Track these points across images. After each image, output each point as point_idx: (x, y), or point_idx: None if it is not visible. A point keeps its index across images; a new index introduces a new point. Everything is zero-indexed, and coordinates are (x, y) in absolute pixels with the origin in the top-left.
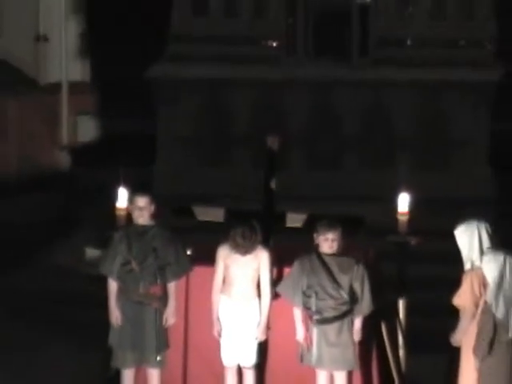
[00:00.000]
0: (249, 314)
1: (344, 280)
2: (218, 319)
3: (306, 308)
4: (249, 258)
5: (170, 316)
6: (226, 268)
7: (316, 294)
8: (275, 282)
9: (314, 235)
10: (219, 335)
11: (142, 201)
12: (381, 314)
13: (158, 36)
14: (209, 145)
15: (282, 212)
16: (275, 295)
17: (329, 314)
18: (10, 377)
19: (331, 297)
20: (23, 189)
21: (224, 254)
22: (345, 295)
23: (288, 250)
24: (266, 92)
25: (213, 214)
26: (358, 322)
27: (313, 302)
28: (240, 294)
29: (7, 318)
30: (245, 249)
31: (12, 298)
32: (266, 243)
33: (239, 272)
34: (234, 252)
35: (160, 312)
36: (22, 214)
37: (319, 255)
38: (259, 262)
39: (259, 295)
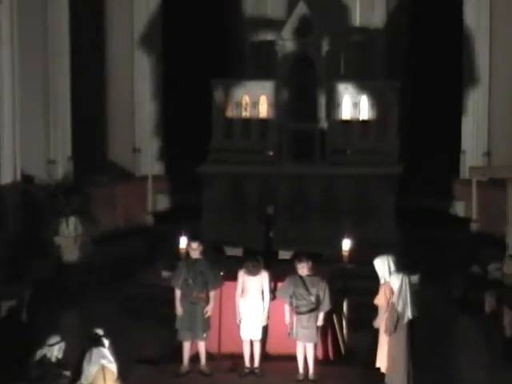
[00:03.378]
0: (256, 310)
1: (313, 290)
2: (239, 313)
3: (291, 305)
4: (256, 277)
5: (209, 310)
6: (243, 283)
7: (296, 297)
8: (272, 290)
9: (295, 264)
10: (239, 322)
11: (194, 244)
12: (333, 309)
13: (204, 146)
14: (233, 210)
15: (275, 250)
16: (272, 298)
17: (303, 309)
18: (117, 343)
19: (304, 299)
20: (126, 237)
21: (242, 275)
22: (313, 299)
23: (279, 273)
24: (266, 180)
25: (235, 251)
26: (321, 315)
27: (294, 302)
28: (251, 298)
29: (119, 312)
30: (254, 272)
31: (121, 300)
32: (266, 268)
33: (251, 286)
34: (248, 274)
35: (204, 308)
36: (126, 251)
37: (299, 275)
38: (262, 279)
39: (263, 299)
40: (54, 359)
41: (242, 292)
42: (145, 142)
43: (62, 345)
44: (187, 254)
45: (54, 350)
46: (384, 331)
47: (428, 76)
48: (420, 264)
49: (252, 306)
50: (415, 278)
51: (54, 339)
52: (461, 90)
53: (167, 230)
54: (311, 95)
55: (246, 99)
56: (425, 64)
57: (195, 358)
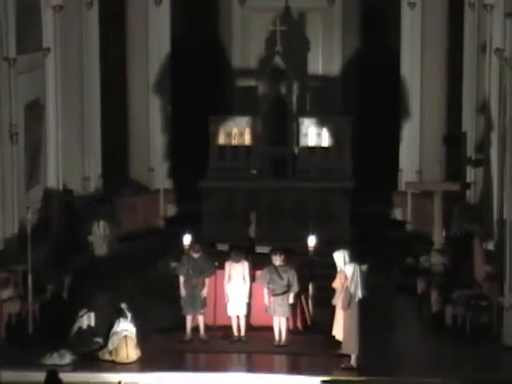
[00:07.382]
0: (240, 291)
1: (285, 276)
2: (227, 294)
3: (269, 288)
4: (239, 264)
5: (205, 292)
6: (230, 270)
7: (273, 282)
8: (252, 276)
9: (271, 256)
10: (228, 301)
11: (194, 244)
12: (301, 290)
13: (203, 166)
14: (225, 216)
15: (254, 246)
16: (252, 281)
17: (278, 291)
18: (136, 317)
19: (278, 284)
20: (144, 237)
21: (229, 264)
22: (285, 283)
23: (257, 263)
24: (250, 193)
25: (223, 247)
26: (291, 295)
27: (271, 286)
28: (236, 282)
29: (138, 292)
30: (236, 260)
31: (139, 283)
32: (247, 259)
33: (235, 273)
34: (232, 262)
35: (201, 291)
36: (144, 247)
37: (274, 265)
38: (244, 267)
39: (245, 283)
40: (85, 327)
41: (229, 278)
42: (158, 164)
43: (90, 314)
44: (189, 249)
45: (84, 319)
46: (340, 308)
47: (374, 112)
48: (368, 256)
49: (237, 289)
50: (364, 267)
51: (82, 311)
52: (399, 123)
53: (175, 231)
54: (284, 127)
55: (234, 130)
56: (371, 103)
57: (196, 328)
